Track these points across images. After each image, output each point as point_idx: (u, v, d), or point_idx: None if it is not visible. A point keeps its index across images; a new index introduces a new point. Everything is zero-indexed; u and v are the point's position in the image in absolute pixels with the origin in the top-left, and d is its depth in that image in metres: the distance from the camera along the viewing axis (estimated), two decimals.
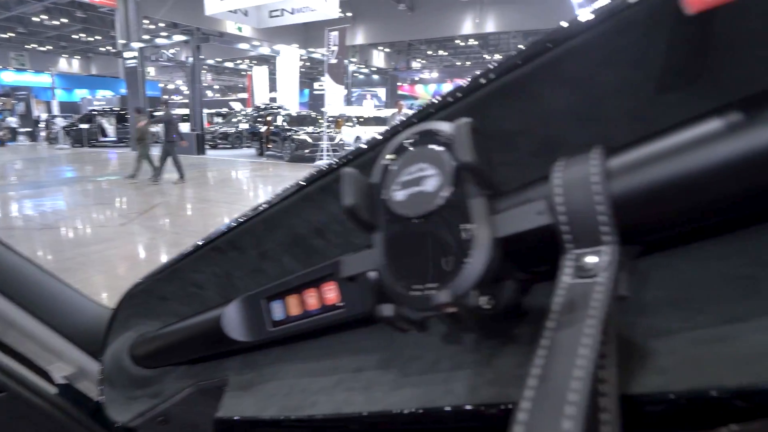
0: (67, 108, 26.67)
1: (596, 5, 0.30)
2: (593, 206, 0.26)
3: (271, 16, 15.52)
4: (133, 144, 9.53)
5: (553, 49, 0.31)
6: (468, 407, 0.30)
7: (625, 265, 0.26)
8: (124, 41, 16.58)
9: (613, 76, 0.31)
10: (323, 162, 11.84)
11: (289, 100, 18.83)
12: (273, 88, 23.03)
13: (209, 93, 39.74)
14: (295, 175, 11.24)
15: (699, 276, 0.27)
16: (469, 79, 0.36)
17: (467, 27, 23.63)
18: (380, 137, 0.40)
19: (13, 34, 26.32)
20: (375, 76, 33.98)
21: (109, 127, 18.94)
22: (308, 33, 24.65)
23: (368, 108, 21.80)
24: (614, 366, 0.23)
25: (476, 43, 30.82)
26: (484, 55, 34.46)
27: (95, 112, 19.40)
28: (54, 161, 14.12)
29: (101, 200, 7.92)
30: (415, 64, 37.19)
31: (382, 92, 33.25)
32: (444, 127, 0.30)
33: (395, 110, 10.41)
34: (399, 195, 0.31)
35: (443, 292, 0.27)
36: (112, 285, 3.82)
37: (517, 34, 28.10)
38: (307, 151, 12.89)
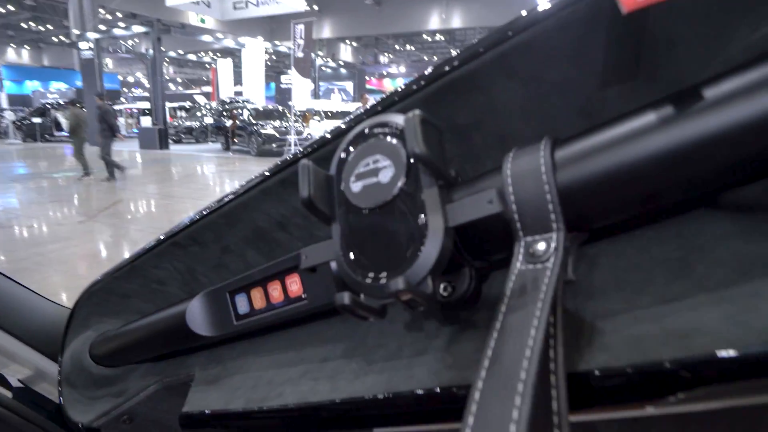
0: (17, 101, 25.24)
1: (540, 4, 0.31)
2: (542, 195, 0.28)
3: (236, 8, 15.16)
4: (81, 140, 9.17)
5: (500, 45, 0.33)
6: (429, 391, 0.31)
7: (572, 251, 0.28)
8: (78, 31, 15.83)
9: (557, 72, 0.33)
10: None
11: (255, 94, 18.46)
12: (238, 81, 22.54)
13: (172, 86, 38.48)
14: (262, 169, 11.01)
15: (639, 260, 0.29)
16: (423, 73, 0.37)
17: (434, 22, 23.76)
18: (338, 130, 0.41)
19: None
20: (342, 70, 33.72)
21: (64, 120, 18.06)
22: (274, 26, 24.22)
23: (336, 102, 21.62)
24: (561, 345, 0.24)
25: (443, 38, 31.02)
26: (451, 51, 34.73)
27: (49, 106, 18.48)
28: (4, 157, 13.39)
29: (58, 197, 7.58)
30: (383, 59, 37.14)
31: (349, 86, 33.04)
32: (396, 119, 0.31)
33: (360, 104, 10.33)
34: (355, 186, 0.32)
35: (398, 279, 0.27)
36: (71, 285, 3.68)
37: (483, 30, 28.45)
38: (274, 145, 12.71)
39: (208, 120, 17.64)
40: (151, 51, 15.15)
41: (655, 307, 0.26)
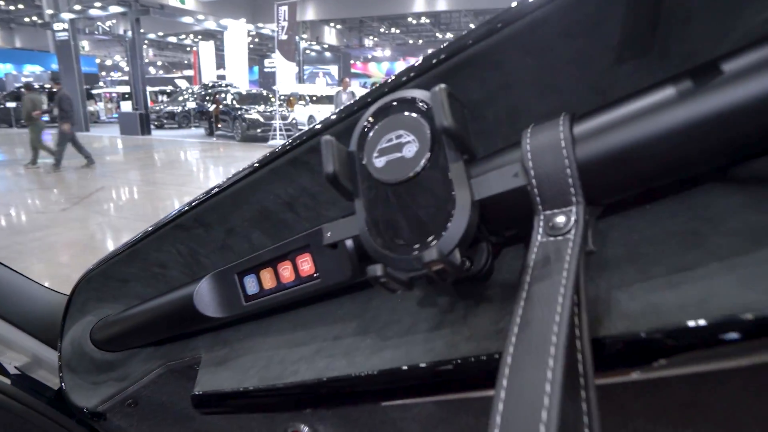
0: None
1: None
2: (562, 170, 0.28)
3: None
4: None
5: (517, 21, 0.33)
6: (450, 361, 0.31)
7: (591, 224, 0.29)
8: (51, 11, 15.28)
9: (572, 48, 0.33)
10: (277, 141, 11.49)
11: (239, 77, 18.11)
12: (221, 65, 22.07)
13: (152, 70, 37.50)
14: (248, 155, 10.97)
15: (651, 233, 0.30)
16: (436, 50, 0.37)
17: (419, 4, 23.47)
18: (352, 107, 0.41)
19: None
20: (327, 54, 33.22)
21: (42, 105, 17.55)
22: (256, 7, 23.67)
23: (321, 86, 21.34)
24: (585, 313, 0.26)
25: (428, 21, 30.71)
26: (436, 34, 34.42)
27: (24, 90, 17.89)
28: None
29: (39, 185, 7.40)
30: (368, 42, 36.68)
31: (334, 70, 32.63)
32: (419, 94, 0.31)
33: (340, 88, 10.17)
34: (378, 162, 0.32)
35: (431, 250, 0.28)
36: (54, 273, 3.62)
37: (468, 13, 28.21)
38: (259, 130, 12.53)
39: (191, 104, 17.28)
40: (129, 33, 14.71)
41: (670, 276, 0.27)
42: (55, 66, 17.71)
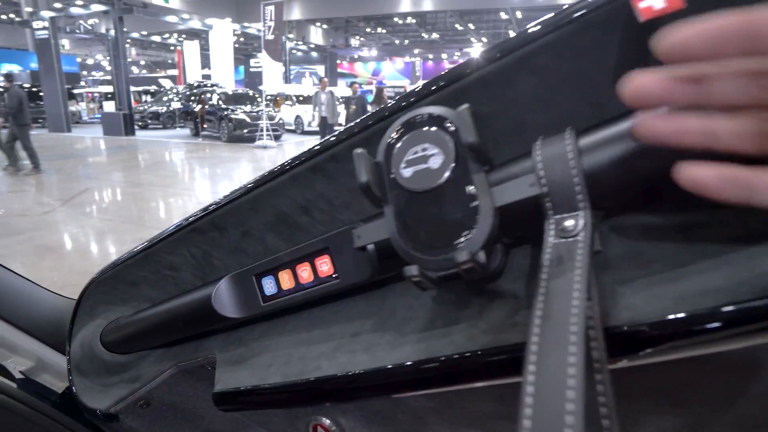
0: None
1: (566, 7, 0.34)
2: (570, 178, 0.32)
3: None
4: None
5: (530, 44, 0.36)
6: (472, 352, 0.34)
7: (597, 226, 0.32)
8: (30, 9, 14.98)
9: (575, 68, 0.36)
10: (262, 142, 11.33)
11: (224, 77, 17.96)
12: (205, 64, 21.86)
13: (135, 69, 36.96)
14: (235, 155, 10.92)
15: (647, 234, 0.33)
16: (451, 68, 0.39)
17: (405, 4, 23.55)
18: (366, 122, 0.43)
19: None
20: (314, 54, 33.12)
21: None
22: (241, 6, 23.51)
23: (308, 86, 21.29)
24: (597, 305, 0.29)
25: (414, 21, 30.83)
26: (422, 34, 34.58)
27: (2, 89, 17.51)
28: None
29: (20, 187, 7.26)
30: (354, 42, 36.67)
31: (321, 70, 32.55)
32: (442, 111, 0.34)
33: (319, 88, 10.12)
34: (406, 172, 0.34)
35: (462, 251, 0.31)
36: (38, 278, 3.56)
37: (453, 13, 28.40)
38: (245, 130, 12.45)
39: (176, 105, 17.09)
40: (112, 32, 14.49)
41: (667, 273, 0.31)
42: (34, 65, 17.38)
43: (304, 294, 0.45)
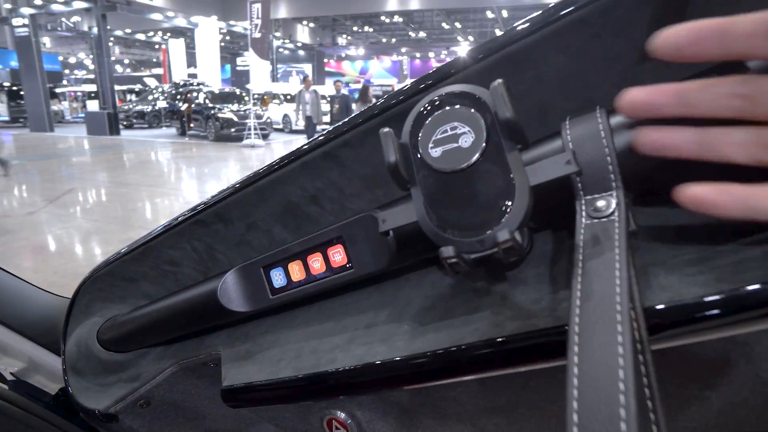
0: None
1: None
2: (603, 157, 0.31)
3: None
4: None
5: (558, 21, 0.34)
6: (500, 338, 0.33)
7: (629, 206, 0.31)
8: (9, 5, 14.64)
9: (602, 47, 0.35)
10: (250, 141, 11.18)
11: (211, 76, 17.77)
12: (191, 63, 21.61)
13: (119, 68, 36.35)
14: (222, 155, 10.80)
15: (674, 217, 0.33)
16: (477, 47, 0.38)
17: (392, 3, 23.53)
18: (386, 103, 0.41)
19: None
20: (301, 52, 32.93)
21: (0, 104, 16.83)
22: (227, 4, 23.25)
23: (295, 85, 21.15)
24: (636, 285, 0.28)
25: (401, 20, 30.82)
26: (409, 33, 34.58)
27: None
28: None
29: (2, 187, 7.09)
30: (341, 41, 36.54)
31: (308, 69, 32.37)
32: (471, 89, 0.33)
33: (302, 87, 9.97)
34: (434, 152, 0.33)
35: (502, 231, 0.30)
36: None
37: (440, 12, 28.45)
38: (233, 129, 12.33)
39: (161, 104, 16.85)
40: (95, 29, 14.23)
41: (700, 252, 0.30)
42: (14, 63, 17.00)
43: (316, 285, 0.44)
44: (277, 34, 26.70)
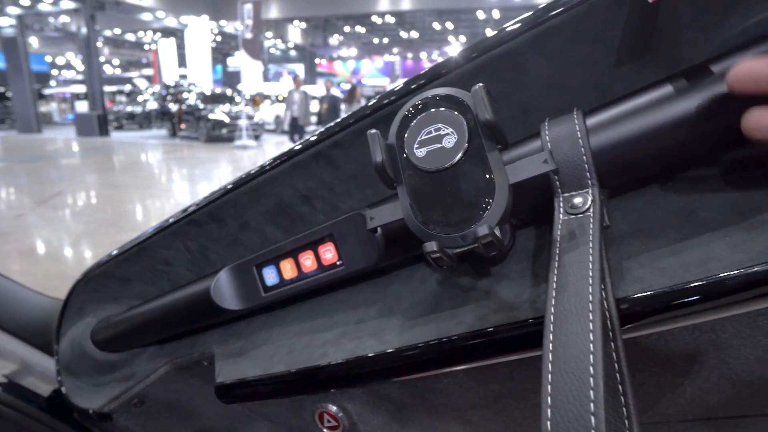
0: None
1: None
2: (579, 157, 0.33)
3: None
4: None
5: (538, 26, 0.36)
6: (482, 331, 0.35)
7: (604, 203, 0.33)
8: None
9: (580, 50, 0.37)
10: (242, 142, 11.06)
11: (201, 77, 17.68)
12: (182, 63, 21.47)
13: (108, 68, 36.00)
14: (214, 156, 10.74)
15: (649, 212, 0.35)
16: (462, 50, 0.40)
17: (383, 3, 23.53)
18: (374, 105, 0.43)
19: None
20: (292, 53, 32.85)
21: None
22: (218, 4, 23.13)
23: (286, 85, 21.08)
24: (609, 277, 0.30)
25: (393, 20, 30.84)
26: (401, 33, 34.60)
27: None
28: None
29: None
30: (333, 41, 36.47)
31: (299, 69, 32.29)
32: (454, 91, 0.34)
33: (293, 87, 9.79)
34: (419, 152, 0.34)
35: (482, 227, 0.32)
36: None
37: (432, 13, 28.51)
38: (224, 130, 12.26)
39: (152, 105, 16.73)
40: (83, 29, 14.10)
41: (671, 246, 0.32)
42: (1, 64, 16.79)
43: (307, 283, 0.45)
44: (269, 34, 26.62)
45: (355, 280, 0.48)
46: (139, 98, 17.65)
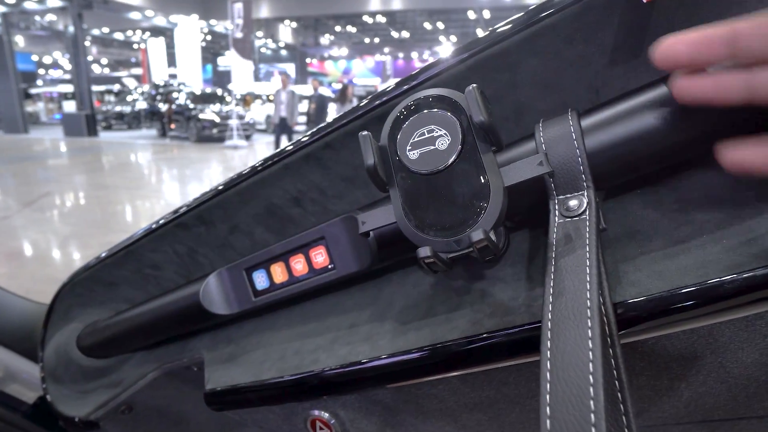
0: None
1: None
2: (574, 158, 0.32)
3: None
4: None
5: (532, 26, 0.35)
6: (476, 337, 0.34)
7: (599, 205, 0.33)
8: None
9: (574, 51, 0.36)
10: (233, 142, 10.95)
11: (191, 76, 17.55)
12: (172, 63, 21.29)
13: (96, 68, 35.60)
14: (204, 156, 10.67)
15: (644, 214, 0.34)
16: (456, 50, 0.39)
17: (375, 3, 23.51)
18: (366, 107, 0.42)
19: None
20: (283, 52, 32.73)
21: None
22: (207, 3, 22.96)
23: (277, 85, 20.98)
24: (606, 281, 0.30)
25: (384, 20, 30.84)
26: (392, 33, 34.62)
27: None
28: None
29: None
30: (324, 41, 36.38)
31: (290, 69, 32.18)
32: (447, 92, 0.33)
33: (279, 86, 9.48)
34: (412, 154, 0.33)
35: (479, 230, 0.31)
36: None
37: (423, 12, 28.55)
38: (215, 130, 12.19)
39: (141, 105, 16.57)
40: (71, 28, 13.91)
41: (667, 249, 0.31)
42: None
43: (298, 287, 0.44)
44: (259, 33, 26.48)
45: (347, 283, 0.47)
46: (129, 98, 17.48)
